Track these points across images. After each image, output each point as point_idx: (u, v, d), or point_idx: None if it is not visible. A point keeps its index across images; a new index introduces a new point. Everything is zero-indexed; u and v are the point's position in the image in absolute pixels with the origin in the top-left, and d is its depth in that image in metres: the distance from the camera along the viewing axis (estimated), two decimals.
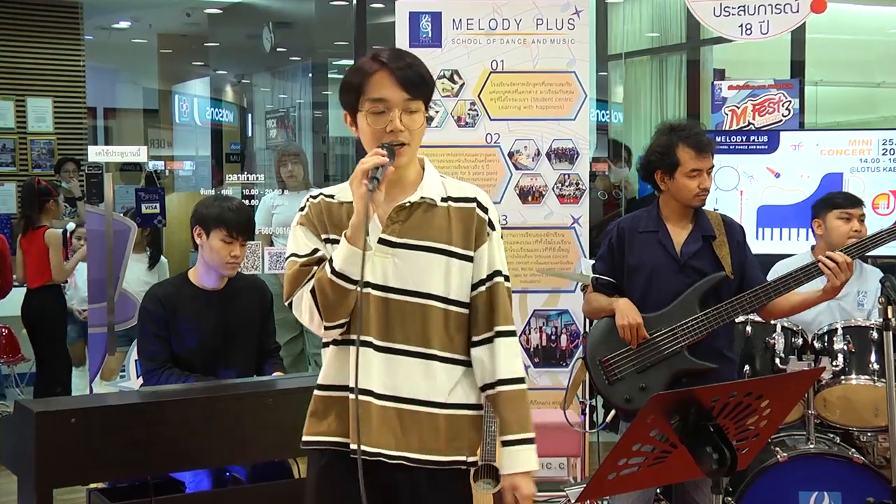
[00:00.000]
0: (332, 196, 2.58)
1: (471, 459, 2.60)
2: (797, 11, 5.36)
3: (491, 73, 5.33)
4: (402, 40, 5.34)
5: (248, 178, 5.81)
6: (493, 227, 2.59)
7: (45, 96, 10.19)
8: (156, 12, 11.00)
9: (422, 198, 2.53)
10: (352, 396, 2.45)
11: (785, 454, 4.12)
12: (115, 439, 3.28)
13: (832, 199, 4.71)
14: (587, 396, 4.98)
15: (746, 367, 4.34)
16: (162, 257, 6.79)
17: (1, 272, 6.69)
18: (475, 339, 2.59)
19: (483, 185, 5.28)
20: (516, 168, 5.36)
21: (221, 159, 11.96)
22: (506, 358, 2.59)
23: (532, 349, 5.36)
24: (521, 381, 2.60)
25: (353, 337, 2.44)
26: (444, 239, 2.51)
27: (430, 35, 5.33)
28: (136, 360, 4.84)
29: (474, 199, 2.58)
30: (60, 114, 10.29)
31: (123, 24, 11.64)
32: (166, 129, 12.99)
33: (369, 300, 2.50)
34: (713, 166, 3.80)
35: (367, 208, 2.39)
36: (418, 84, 2.49)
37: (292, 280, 2.52)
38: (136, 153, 5.43)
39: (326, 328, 2.49)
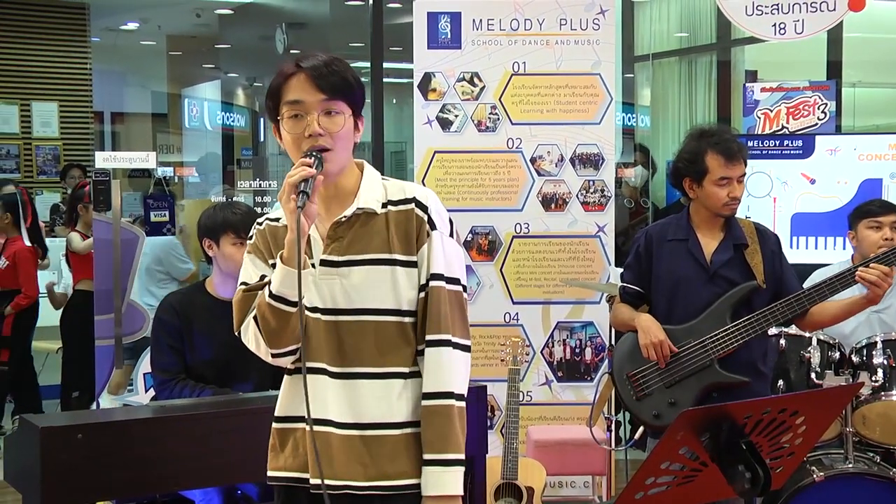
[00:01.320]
0: (277, 220, 2.47)
1: None
2: (834, 9, 5.28)
3: (512, 75, 5.26)
4: (420, 41, 5.28)
5: (260, 184, 5.71)
6: (433, 227, 2.41)
7: (51, 100, 10.18)
8: (165, 13, 10.98)
9: (358, 209, 2.40)
10: (307, 428, 2.34)
11: (822, 474, 4.04)
12: (123, 456, 3.20)
13: (862, 208, 4.66)
14: (613, 412, 4.87)
15: (780, 382, 4.28)
16: None
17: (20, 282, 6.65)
18: (418, 347, 2.43)
19: (504, 191, 5.22)
20: (539, 174, 5.27)
21: (233, 164, 11.92)
22: (434, 371, 2.38)
23: (555, 363, 5.27)
24: (447, 395, 2.38)
25: (309, 365, 2.37)
26: (385, 248, 2.37)
27: (449, 36, 5.26)
28: (144, 374, 4.74)
29: (412, 199, 2.42)
30: (66, 118, 10.28)
31: (131, 26, 11.65)
32: (175, 133, 12.95)
33: (319, 325, 2.38)
34: (745, 174, 3.72)
35: (298, 224, 2.24)
36: (337, 84, 2.35)
37: (238, 308, 2.44)
38: (144, 159, 5.35)
39: (273, 355, 2.39)
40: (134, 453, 3.20)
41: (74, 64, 10.34)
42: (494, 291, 5.25)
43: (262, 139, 12.83)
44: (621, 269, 4.11)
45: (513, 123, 5.24)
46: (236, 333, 2.46)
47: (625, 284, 3.88)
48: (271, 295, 2.31)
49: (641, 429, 3.86)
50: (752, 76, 7.57)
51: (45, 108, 10.16)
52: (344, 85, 2.36)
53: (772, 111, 5.75)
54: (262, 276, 2.42)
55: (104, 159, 5.29)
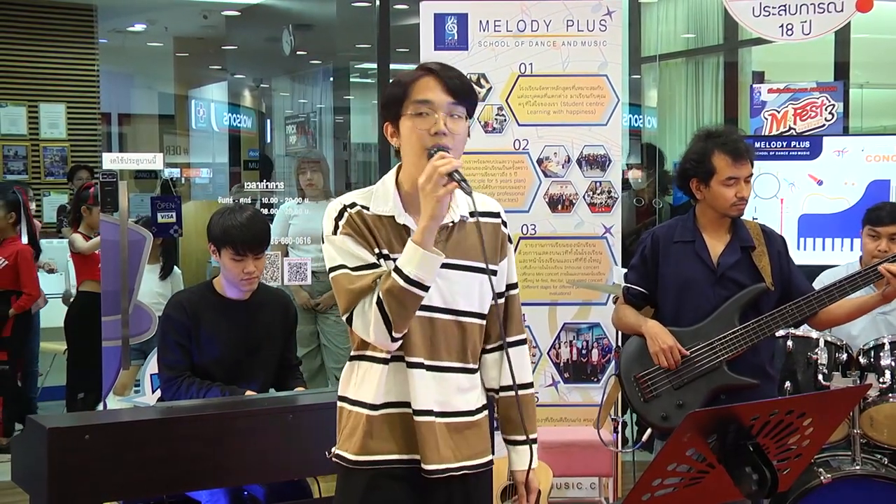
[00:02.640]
0: (366, 207, 2.58)
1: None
2: (841, 10, 5.26)
3: (519, 76, 5.24)
4: (426, 43, 5.26)
5: (266, 185, 5.70)
6: (510, 241, 2.73)
7: (58, 102, 10.17)
8: (172, 14, 10.98)
9: (461, 216, 2.60)
10: (417, 418, 2.56)
11: (829, 475, 4.03)
12: (130, 457, 3.23)
13: (870, 213, 4.63)
14: (619, 413, 4.86)
15: (788, 384, 4.28)
16: (175, 268, 6.68)
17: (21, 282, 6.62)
18: (490, 346, 2.72)
19: (511, 193, 5.21)
20: (545, 175, 5.24)
21: (239, 166, 11.92)
22: (521, 365, 2.72)
23: (562, 364, 5.25)
24: (531, 386, 2.76)
25: (409, 359, 2.55)
26: (479, 257, 2.57)
27: (455, 37, 5.24)
28: (150, 375, 4.74)
29: (498, 214, 2.69)
30: (74, 120, 10.27)
31: (138, 27, 11.65)
32: (182, 135, 12.95)
33: (414, 321, 2.53)
34: (752, 174, 3.72)
35: (443, 212, 2.44)
36: (464, 90, 2.55)
37: (357, 293, 2.51)
38: (151, 160, 5.34)
39: (394, 339, 2.50)
40: (141, 454, 3.24)
41: (82, 65, 10.32)
42: None
43: (268, 140, 12.81)
44: (625, 270, 4.11)
45: (519, 125, 5.22)
46: (344, 317, 2.54)
47: (629, 285, 3.87)
48: (409, 280, 2.43)
49: (649, 430, 3.85)
50: (759, 77, 7.55)
51: (52, 110, 10.15)
52: (468, 90, 2.56)
53: (779, 112, 5.70)
54: (375, 263, 2.51)
55: (111, 161, 5.28)
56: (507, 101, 5.22)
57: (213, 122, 12.60)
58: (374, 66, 6.53)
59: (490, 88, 5.23)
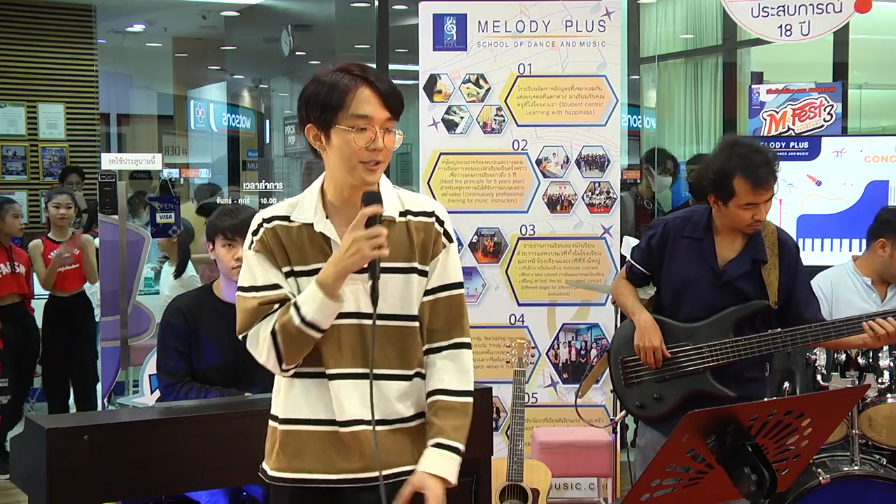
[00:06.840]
0: (286, 217, 2.52)
1: None
2: (840, 11, 5.28)
3: (518, 77, 5.25)
4: (425, 43, 5.28)
5: (266, 186, 5.71)
6: (450, 240, 2.58)
7: (57, 102, 10.16)
8: (171, 15, 10.98)
9: (384, 216, 2.47)
10: (342, 430, 2.47)
11: (827, 476, 4.02)
12: (129, 457, 3.21)
13: (883, 225, 4.51)
14: (617, 411, 4.86)
15: (786, 384, 4.28)
16: (192, 269, 6.61)
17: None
18: (434, 346, 2.57)
19: (510, 193, 5.22)
20: (544, 176, 5.26)
21: (238, 167, 11.91)
22: (458, 371, 2.57)
23: (560, 364, 5.25)
24: (468, 394, 2.57)
25: (322, 370, 2.46)
26: (407, 257, 2.51)
27: (454, 38, 5.25)
28: (149, 375, 4.73)
29: (432, 213, 2.57)
30: (73, 120, 10.25)
31: (137, 28, 11.65)
32: (181, 135, 12.95)
33: (340, 330, 2.46)
34: (773, 195, 3.58)
35: (357, 268, 2.37)
36: (399, 104, 2.49)
37: (249, 315, 2.48)
38: (150, 161, 5.35)
39: (284, 370, 2.47)
40: (140, 455, 3.22)
41: (81, 66, 10.32)
42: (500, 293, 5.24)
43: (267, 141, 12.81)
44: (636, 241, 4.07)
45: (518, 125, 5.23)
46: (240, 337, 2.50)
47: (633, 262, 3.85)
48: (304, 321, 2.38)
49: (624, 412, 3.97)
50: (758, 78, 7.54)
51: (51, 110, 10.14)
52: (402, 107, 2.49)
53: (778, 113, 5.70)
54: (276, 285, 2.46)
55: (110, 161, 5.29)
56: (505, 101, 5.23)
57: (212, 122, 12.60)
58: (373, 66, 6.52)
59: (489, 89, 5.23)
